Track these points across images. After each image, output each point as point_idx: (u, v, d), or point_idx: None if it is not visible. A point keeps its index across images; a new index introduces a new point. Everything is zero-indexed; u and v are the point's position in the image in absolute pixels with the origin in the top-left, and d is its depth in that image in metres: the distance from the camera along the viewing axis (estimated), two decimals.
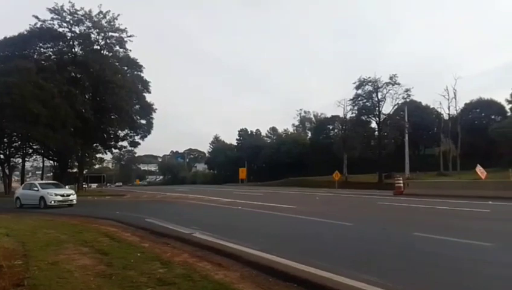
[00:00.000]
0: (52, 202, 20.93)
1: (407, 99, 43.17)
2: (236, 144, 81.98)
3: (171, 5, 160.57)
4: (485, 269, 6.04)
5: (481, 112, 53.23)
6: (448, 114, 47.38)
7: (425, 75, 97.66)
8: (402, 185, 25.13)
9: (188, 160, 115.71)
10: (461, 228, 10.34)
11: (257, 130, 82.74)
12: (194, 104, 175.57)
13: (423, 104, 53.46)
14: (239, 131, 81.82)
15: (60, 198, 21.36)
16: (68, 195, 21.97)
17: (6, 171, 44.83)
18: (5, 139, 41.53)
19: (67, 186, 27.19)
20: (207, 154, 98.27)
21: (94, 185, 48.84)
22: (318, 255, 6.87)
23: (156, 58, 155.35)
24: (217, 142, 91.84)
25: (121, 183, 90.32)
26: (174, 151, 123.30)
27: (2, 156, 44.30)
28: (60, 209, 19.63)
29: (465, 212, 13.87)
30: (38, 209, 20.22)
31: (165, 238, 9.27)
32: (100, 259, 6.93)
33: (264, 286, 5.17)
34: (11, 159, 46.58)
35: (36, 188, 22.21)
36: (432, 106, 52.19)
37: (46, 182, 25.09)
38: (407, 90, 41.72)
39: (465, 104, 51.95)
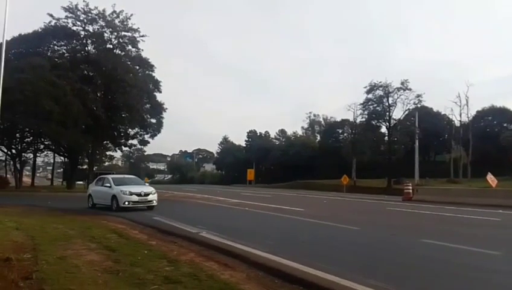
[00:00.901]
0: (126, 203, 16.56)
1: (418, 105, 42.91)
2: (245, 145, 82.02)
3: (182, 7, 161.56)
4: (493, 277, 5.97)
5: (493, 119, 52.65)
6: (460, 121, 46.95)
7: (437, 81, 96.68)
8: (411, 191, 24.93)
9: (196, 160, 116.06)
10: (470, 236, 10.23)
11: (266, 132, 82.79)
12: (203, 105, 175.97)
13: (434, 110, 53.11)
14: (248, 132, 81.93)
15: (135, 198, 16.76)
16: (146, 194, 17.09)
17: (18, 166, 45.44)
18: (17, 135, 42.12)
19: (147, 183, 23.56)
20: (215, 155, 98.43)
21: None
22: (325, 258, 6.84)
23: (167, 59, 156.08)
24: (225, 142, 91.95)
25: None
26: (183, 150, 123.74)
27: (13, 151, 44.96)
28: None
29: (475, 220, 13.72)
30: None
31: (172, 237, 9.32)
32: (108, 255, 6.99)
33: (269, 288, 5.17)
34: (23, 154, 47.25)
35: (108, 184, 17.75)
36: (443, 112, 51.82)
37: (122, 176, 20.61)
38: (418, 95, 41.53)
39: (477, 111, 51.46)
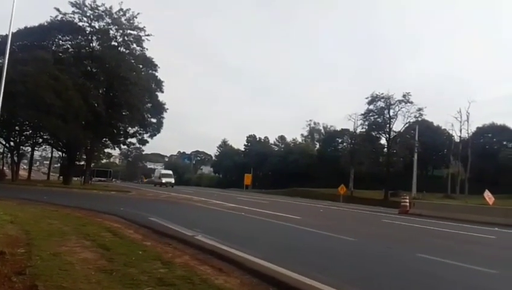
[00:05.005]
0: None
1: (419, 119, 43.10)
2: (243, 150, 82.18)
3: (189, 9, 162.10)
4: None
5: (493, 137, 52.78)
6: (460, 137, 47.08)
7: (438, 95, 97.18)
8: (408, 204, 24.90)
9: (194, 162, 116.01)
10: (466, 253, 10.19)
11: (265, 137, 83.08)
12: (204, 107, 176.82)
13: (435, 124, 53.26)
14: (247, 137, 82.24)
15: None
16: None
17: (15, 158, 45.32)
18: (17, 127, 42.06)
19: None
20: (214, 158, 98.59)
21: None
22: (320, 268, 6.80)
23: (171, 59, 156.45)
24: (224, 146, 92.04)
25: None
26: (182, 151, 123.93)
27: (12, 144, 44.87)
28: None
29: (471, 237, 13.68)
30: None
31: (167, 238, 9.24)
32: (102, 254, 6.93)
33: None
34: (21, 147, 47.16)
35: None
36: (443, 127, 52.00)
37: None
38: (419, 109, 41.77)
39: (477, 128, 51.60)
